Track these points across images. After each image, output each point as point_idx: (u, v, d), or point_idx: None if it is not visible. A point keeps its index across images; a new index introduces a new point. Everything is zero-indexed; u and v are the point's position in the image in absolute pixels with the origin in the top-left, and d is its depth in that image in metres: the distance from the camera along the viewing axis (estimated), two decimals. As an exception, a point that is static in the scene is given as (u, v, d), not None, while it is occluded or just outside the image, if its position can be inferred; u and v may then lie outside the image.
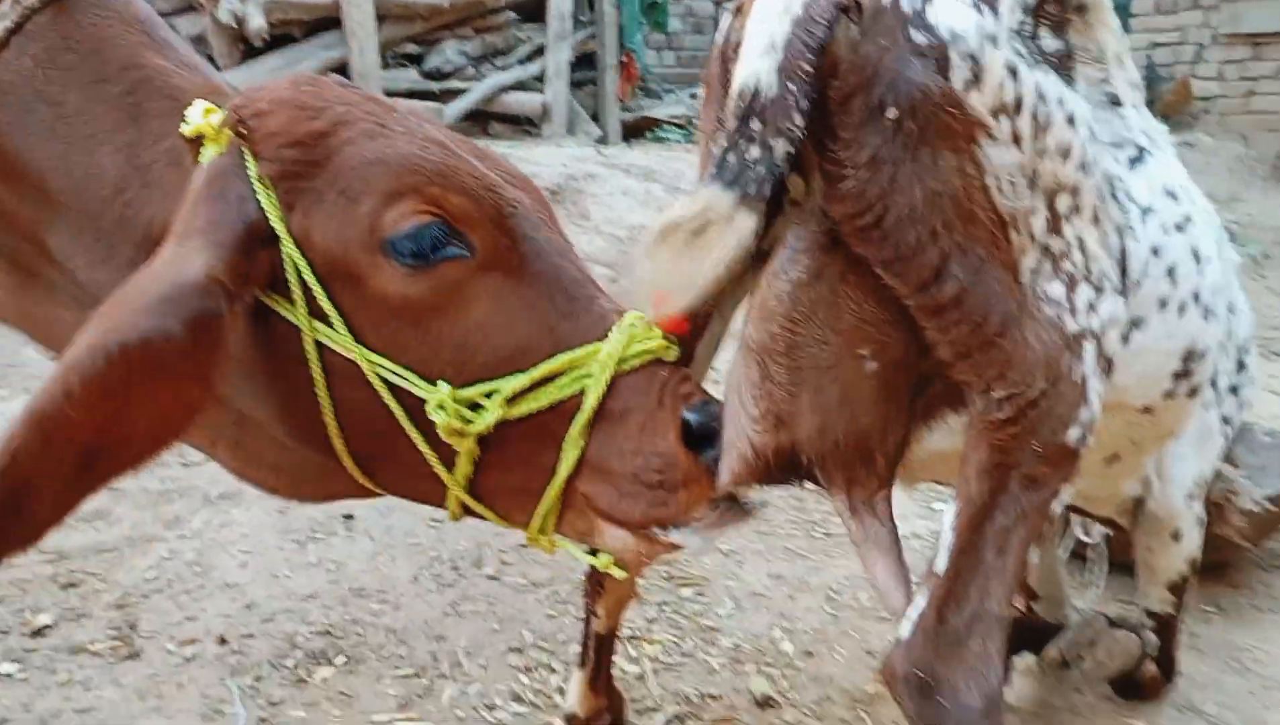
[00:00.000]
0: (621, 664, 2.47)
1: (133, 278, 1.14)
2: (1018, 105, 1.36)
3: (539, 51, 9.83)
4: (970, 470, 1.42)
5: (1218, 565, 3.07)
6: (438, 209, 1.22)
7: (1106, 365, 1.52)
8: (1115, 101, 1.88)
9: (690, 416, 1.27)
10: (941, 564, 1.42)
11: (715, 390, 1.40)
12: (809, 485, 1.42)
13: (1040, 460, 1.42)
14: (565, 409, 1.25)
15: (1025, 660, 2.52)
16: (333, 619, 2.68)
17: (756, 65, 1.23)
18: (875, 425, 1.40)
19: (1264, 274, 8.34)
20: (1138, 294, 1.69)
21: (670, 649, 2.64)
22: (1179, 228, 1.78)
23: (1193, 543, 2.23)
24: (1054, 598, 2.64)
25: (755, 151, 1.21)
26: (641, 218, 6.48)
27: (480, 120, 9.29)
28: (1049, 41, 1.55)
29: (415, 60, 9.31)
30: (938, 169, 1.29)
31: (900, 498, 3.72)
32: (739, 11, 1.38)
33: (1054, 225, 1.43)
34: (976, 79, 1.31)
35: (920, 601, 1.42)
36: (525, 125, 9.55)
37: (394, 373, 1.22)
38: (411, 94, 8.51)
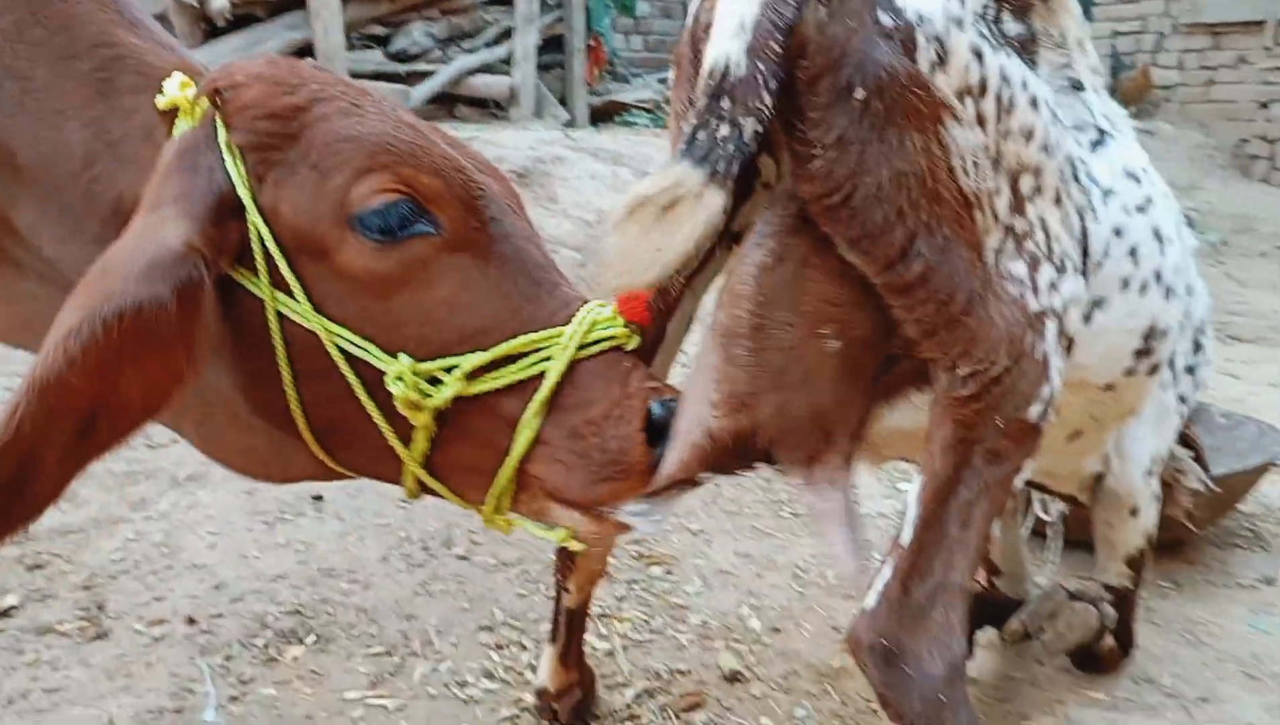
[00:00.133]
0: (592, 641, 2.49)
1: (113, 247, 1.14)
2: (982, 87, 1.39)
3: (506, 34, 9.76)
4: (935, 445, 1.45)
5: (1174, 542, 3.14)
6: (408, 188, 1.23)
7: (1068, 343, 1.56)
8: (1077, 86, 1.92)
9: (656, 409, 1.29)
10: (906, 536, 1.46)
11: (684, 373, 1.42)
12: (761, 467, 1.44)
13: (1003, 435, 1.46)
14: (523, 391, 1.26)
15: (987, 634, 2.58)
16: (302, 599, 2.69)
17: (726, 45, 1.25)
18: (837, 403, 1.43)
19: (1222, 260, 8.49)
20: (1099, 274, 1.72)
21: (640, 626, 2.67)
22: (1140, 209, 1.82)
23: (1150, 518, 2.29)
24: (1016, 574, 2.69)
25: (725, 130, 1.22)
26: (609, 202, 6.48)
27: (447, 103, 9.23)
28: (1012, 25, 1.58)
29: (381, 42, 9.23)
30: (904, 149, 1.31)
31: (866, 477, 3.78)
32: (710, -8, 1.40)
33: (1017, 206, 1.46)
34: (942, 61, 1.34)
35: (885, 573, 1.46)
36: (492, 108, 9.49)
37: (354, 344, 1.23)
38: (377, 76, 8.42)
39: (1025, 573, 2.71)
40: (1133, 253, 1.79)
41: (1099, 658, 2.49)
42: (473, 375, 1.25)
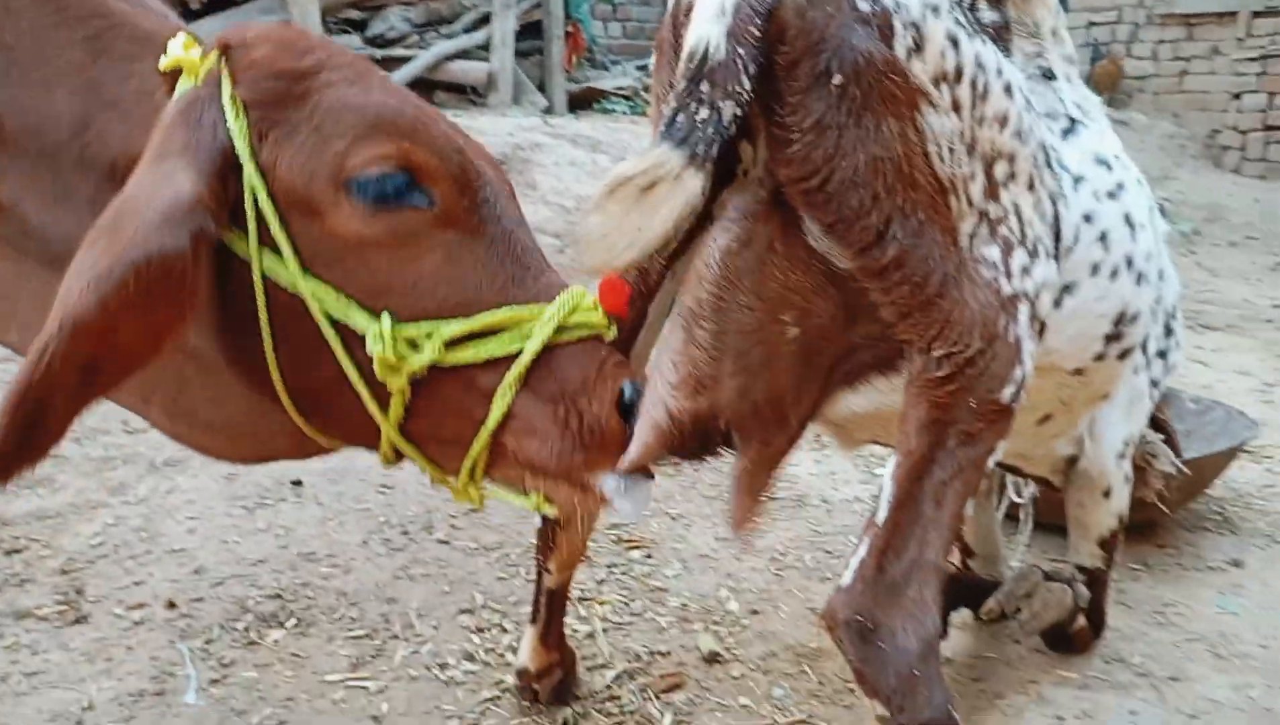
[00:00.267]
0: (572, 623, 2.51)
1: (123, 195, 1.16)
2: (958, 74, 1.41)
3: (484, 19, 9.72)
4: (910, 426, 1.48)
5: (1145, 525, 3.20)
6: (406, 160, 1.25)
7: (1040, 327, 1.59)
8: (1049, 75, 1.95)
9: (628, 390, 1.32)
10: (882, 515, 1.48)
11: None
12: (723, 452, 1.46)
13: (976, 417, 1.49)
14: (500, 367, 1.29)
15: (961, 615, 2.61)
16: (283, 583, 2.69)
17: (706, 29, 1.27)
18: (794, 389, 1.45)
19: (1194, 250, 8.59)
20: (1070, 259, 1.75)
21: (620, 609, 2.69)
22: (1111, 195, 1.85)
23: (1121, 500, 2.33)
24: (990, 556, 2.73)
25: (704, 113, 1.24)
26: (588, 189, 6.48)
27: (424, 89, 9.18)
28: (987, 13, 1.61)
29: (358, 26, 9.18)
30: (881, 134, 1.33)
31: (842, 462, 3.81)
32: (691, -24, 1.41)
33: (991, 191, 1.49)
34: (919, 47, 1.36)
35: (861, 551, 1.48)
36: (470, 94, 9.46)
37: (337, 305, 1.25)
38: (355, 61, 8.37)
39: (999, 555, 2.75)
40: (1103, 238, 1.82)
41: (1071, 638, 2.54)
42: (452, 345, 1.27)
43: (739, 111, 1.26)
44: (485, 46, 9.59)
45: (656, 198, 1.21)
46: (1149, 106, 11.65)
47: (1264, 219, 9.57)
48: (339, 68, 1.28)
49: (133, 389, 1.40)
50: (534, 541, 2.17)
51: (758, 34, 1.26)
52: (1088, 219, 1.79)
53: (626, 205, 1.22)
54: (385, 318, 1.25)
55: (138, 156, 1.22)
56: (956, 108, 1.42)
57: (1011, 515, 2.85)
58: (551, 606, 2.19)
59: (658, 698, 2.32)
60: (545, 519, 2.07)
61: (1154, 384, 2.26)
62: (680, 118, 1.24)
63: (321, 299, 1.25)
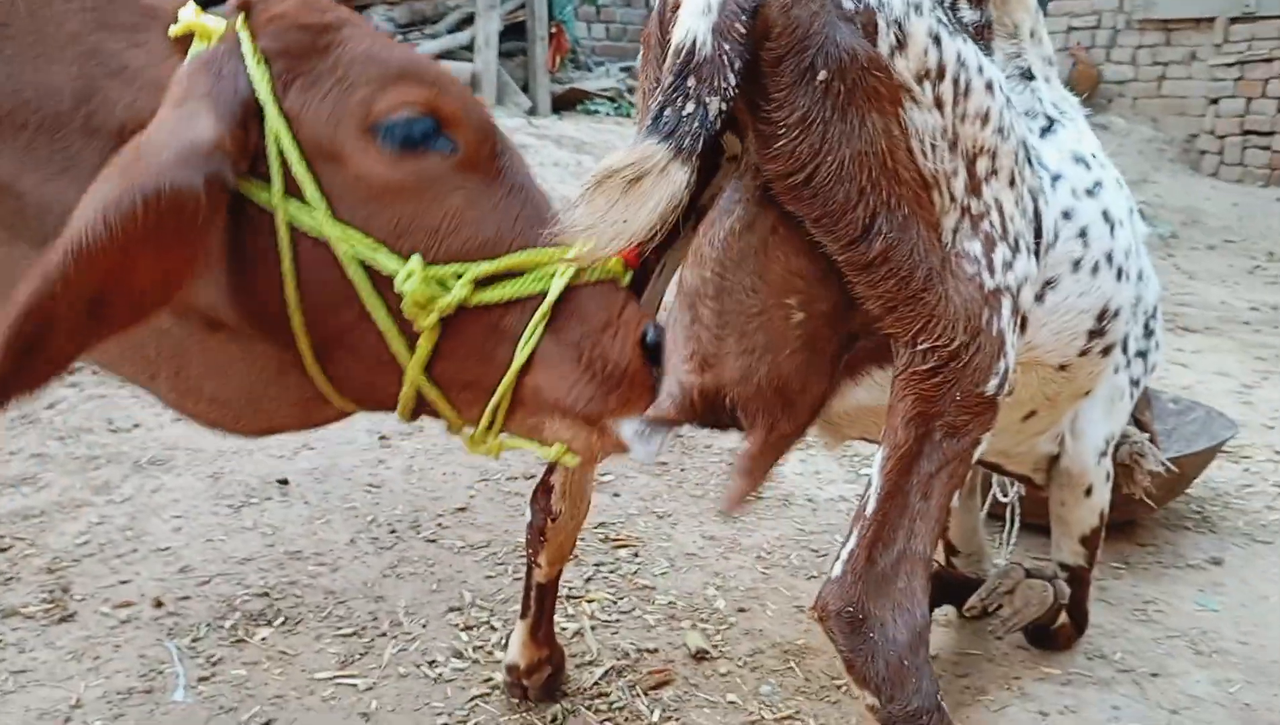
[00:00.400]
0: (560, 621, 2.52)
1: (145, 134, 1.16)
2: (940, 71, 1.43)
3: (468, 20, 9.71)
4: (897, 419, 1.50)
5: (1126, 524, 3.23)
6: (432, 106, 1.28)
7: (1022, 321, 1.61)
8: (1027, 75, 1.98)
9: (650, 331, 1.35)
10: (870, 507, 1.50)
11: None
12: (734, 431, 1.48)
13: (962, 409, 1.51)
14: (525, 308, 1.32)
15: (945, 612, 2.64)
16: (270, 581, 2.69)
17: (693, 24, 1.28)
18: (799, 375, 1.47)
19: (1172, 253, 8.67)
20: (1051, 255, 1.78)
21: (608, 607, 2.70)
22: (1089, 192, 1.87)
23: (1103, 498, 2.36)
24: (974, 554, 2.76)
25: (690, 107, 1.26)
26: (572, 190, 6.46)
27: (409, 91, 9.17)
28: (968, 13, 1.63)
29: (342, 28, 9.16)
30: (865, 130, 1.35)
31: (827, 462, 3.82)
32: (678, -27, 1.43)
33: (974, 187, 1.51)
34: (901, 45, 1.38)
35: (850, 543, 1.50)
36: (455, 96, 9.46)
37: (366, 248, 1.27)
38: (339, 63, 8.37)
39: (983, 552, 2.78)
40: (1083, 234, 1.85)
41: (1054, 634, 2.56)
42: (479, 285, 1.29)
43: (725, 106, 1.27)
44: (469, 47, 9.59)
45: (643, 190, 1.23)
46: (1128, 111, 11.76)
47: (1241, 222, 9.68)
48: (359, 25, 1.32)
49: (139, 363, 1.40)
50: (521, 540, 2.17)
51: (743, 30, 1.27)
52: (1067, 215, 1.82)
53: (613, 197, 1.23)
54: (416, 258, 1.27)
55: (147, 122, 1.23)
56: (939, 104, 1.44)
57: (995, 514, 2.88)
58: (541, 601, 2.20)
59: (646, 694, 2.33)
60: (536, 513, 2.07)
61: (1134, 383, 2.29)
62: (667, 112, 1.26)
63: (350, 241, 1.26)
